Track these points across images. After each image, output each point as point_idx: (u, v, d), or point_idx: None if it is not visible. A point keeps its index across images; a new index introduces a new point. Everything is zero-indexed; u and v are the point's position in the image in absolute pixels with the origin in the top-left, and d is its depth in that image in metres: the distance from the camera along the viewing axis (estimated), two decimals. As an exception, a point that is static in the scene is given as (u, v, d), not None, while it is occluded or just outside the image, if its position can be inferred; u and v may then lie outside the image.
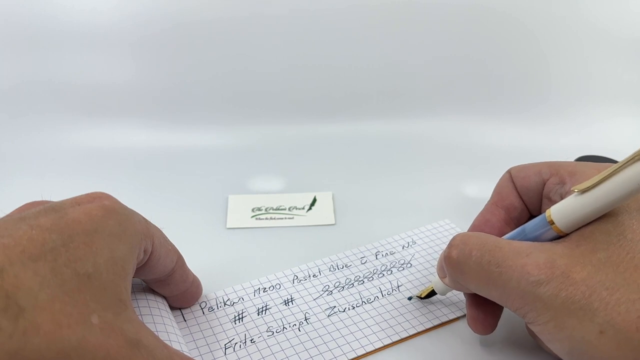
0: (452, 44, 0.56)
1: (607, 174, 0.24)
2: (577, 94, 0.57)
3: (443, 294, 0.34)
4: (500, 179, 0.34)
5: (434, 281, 0.34)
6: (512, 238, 0.29)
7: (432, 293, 0.34)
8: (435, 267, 0.38)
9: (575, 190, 0.26)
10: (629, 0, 0.55)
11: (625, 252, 0.24)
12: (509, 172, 0.33)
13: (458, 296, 0.35)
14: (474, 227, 0.33)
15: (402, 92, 0.57)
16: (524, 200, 0.32)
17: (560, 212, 0.26)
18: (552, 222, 0.27)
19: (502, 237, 0.30)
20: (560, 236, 0.27)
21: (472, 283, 0.28)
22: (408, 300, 0.35)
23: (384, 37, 0.55)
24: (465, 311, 0.34)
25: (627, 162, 0.24)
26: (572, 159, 0.46)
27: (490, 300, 0.28)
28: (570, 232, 0.26)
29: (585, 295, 0.24)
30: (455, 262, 0.28)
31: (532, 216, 0.32)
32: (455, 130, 0.55)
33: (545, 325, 0.25)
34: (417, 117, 0.56)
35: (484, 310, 0.30)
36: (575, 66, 0.57)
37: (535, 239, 0.28)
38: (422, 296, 0.35)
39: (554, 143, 0.54)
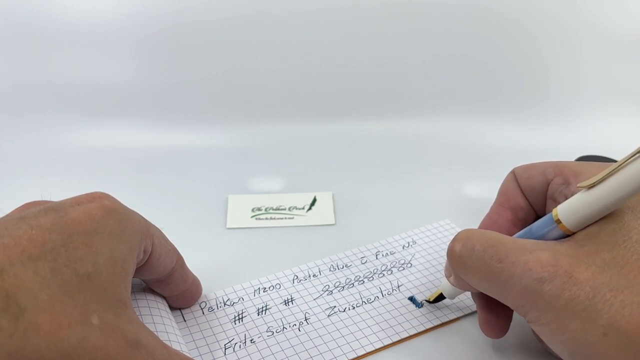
0: (453, 44, 0.56)
1: (612, 169, 0.24)
2: (577, 94, 0.57)
3: (452, 297, 0.33)
4: (505, 180, 0.33)
5: (443, 285, 0.33)
6: (520, 237, 0.29)
7: (440, 297, 0.34)
8: (437, 266, 0.38)
9: (582, 188, 0.26)
10: (628, 0, 0.55)
11: (630, 253, 0.24)
12: (512, 172, 0.33)
13: (459, 297, 0.35)
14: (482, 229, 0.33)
15: (402, 92, 0.57)
16: (529, 201, 0.32)
17: (567, 210, 0.26)
18: (559, 221, 0.26)
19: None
20: (566, 235, 0.27)
21: (474, 278, 0.28)
22: (408, 301, 0.35)
23: (384, 37, 0.55)
24: (466, 311, 0.34)
25: (633, 156, 0.24)
26: (572, 159, 0.46)
27: (502, 303, 0.28)
28: (576, 232, 0.26)
29: (589, 296, 0.23)
30: (458, 256, 0.28)
31: (538, 216, 0.32)
32: (455, 130, 0.55)
33: (547, 326, 0.25)
34: (417, 117, 0.56)
35: (497, 314, 0.30)
36: (575, 66, 0.57)
37: (542, 238, 0.27)
38: (431, 300, 0.34)
39: (554, 143, 0.53)
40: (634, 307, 0.23)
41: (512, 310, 0.30)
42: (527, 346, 0.32)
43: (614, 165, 0.24)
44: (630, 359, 0.23)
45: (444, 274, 0.33)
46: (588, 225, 0.26)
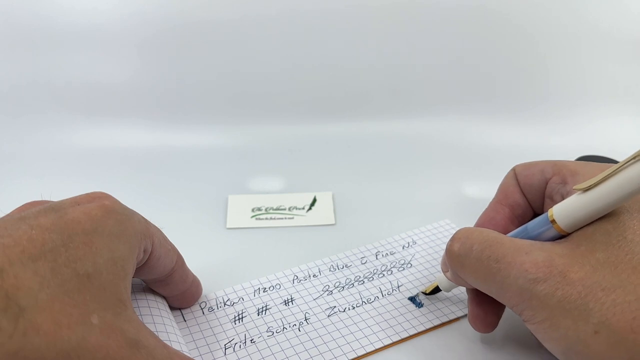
0: (453, 44, 0.56)
1: (608, 173, 0.25)
2: (577, 93, 0.57)
3: (447, 290, 0.34)
4: (505, 177, 0.34)
5: (439, 277, 0.34)
6: (515, 236, 0.29)
7: (436, 289, 0.34)
8: (437, 266, 0.38)
9: (577, 190, 0.26)
10: (628, 1, 0.55)
11: (624, 253, 0.24)
12: (513, 169, 0.33)
13: (458, 296, 0.35)
14: (479, 225, 0.33)
15: (402, 92, 0.57)
16: (527, 199, 0.32)
17: (562, 211, 0.27)
18: (553, 221, 0.27)
19: (506, 234, 0.30)
20: (562, 235, 0.27)
21: (471, 277, 0.28)
22: (408, 301, 0.35)
23: (384, 37, 0.55)
24: (465, 311, 0.34)
25: (628, 161, 0.24)
26: (572, 159, 0.46)
27: (492, 299, 0.28)
28: (572, 232, 0.26)
29: (581, 295, 0.24)
30: (456, 255, 0.29)
31: (536, 214, 0.33)
32: (455, 130, 0.55)
33: (540, 324, 0.25)
34: (417, 117, 0.56)
35: (486, 309, 0.30)
36: (575, 66, 0.57)
37: (537, 237, 0.28)
38: (427, 292, 0.35)
39: (554, 143, 0.54)
40: (625, 305, 0.23)
41: (502, 308, 0.31)
42: (526, 345, 0.32)
43: (610, 169, 0.25)
44: (621, 356, 0.23)
45: (440, 268, 0.33)
46: (584, 226, 0.26)
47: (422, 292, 0.35)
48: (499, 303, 0.29)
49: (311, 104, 0.56)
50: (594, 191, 0.25)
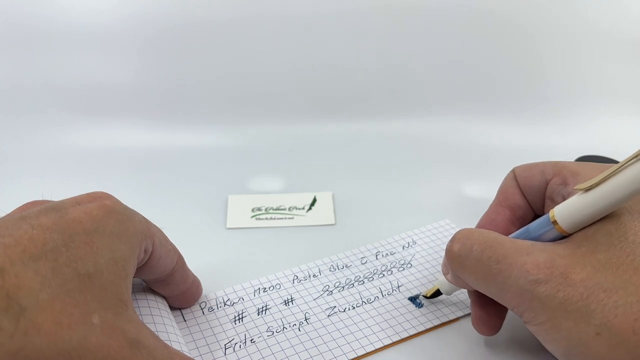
0: (452, 44, 0.56)
1: (609, 173, 0.24)
2: (577, 93, 0.57)
3: (448, 293, 0.34)
4: (505, 179, 0.34)
5: (439, 280, 0.34)
6: (517, 237, 0.29)
7: (437, 293, 0.34)
8: (437, 266, 0.38)
9: (579, 190, 0.26)
10: (628, 1, 0.55)
11: (626, 254, 0.24)
12: (513, 171, 0.33)
13: (458, 296, 0.35)
14: (480, 227, 0.33)
15: (402, 92, 0.57)
16: (527, 200, 0.32)
17: (564, 211, 0.26)
18: (555, 222, 0.27)
19: (508, 236, 0.30)
20: (563, 236, 0.27)
21: (472, 278, 0.28)
22: (408, 301, 0.35)
23: (383, 37, 0.55)
24: (465, 311, 0.34)
25: (629, 161, 0.24)
26: (572, 159, 0.46)
27: (495, 301, 0.28)
28: (573, 233, 0.26)
29: (583, 296, 0.24)
30: (456, 256, 0.28)
31: (536, 216, 0.32)
32: (455, 130, 0.55)
33: (542, 326, 0.25)
34: (416, 117, 0.56)
35: (489, 312, 0.30)
36: (575, 66, 0.57)
37: (539, 238, 0.28)
38: (428, 296, 0.35)
39: (554, 143, 0.53)
40: (627, 307, 0.23)
41: (506, 310, 0.31)
42: (527, 346, 0.32)
43: (611, 168, 0.25)
44: (622, 358, 0.23)
45: (441, 270, 0.33)
46: (585, 226, 0.26)
47: (423, 296, 0.35)
48: (502, 305, 0.29)
49: (311, 104, 0.56)
50: (595, 191, 0.25)
